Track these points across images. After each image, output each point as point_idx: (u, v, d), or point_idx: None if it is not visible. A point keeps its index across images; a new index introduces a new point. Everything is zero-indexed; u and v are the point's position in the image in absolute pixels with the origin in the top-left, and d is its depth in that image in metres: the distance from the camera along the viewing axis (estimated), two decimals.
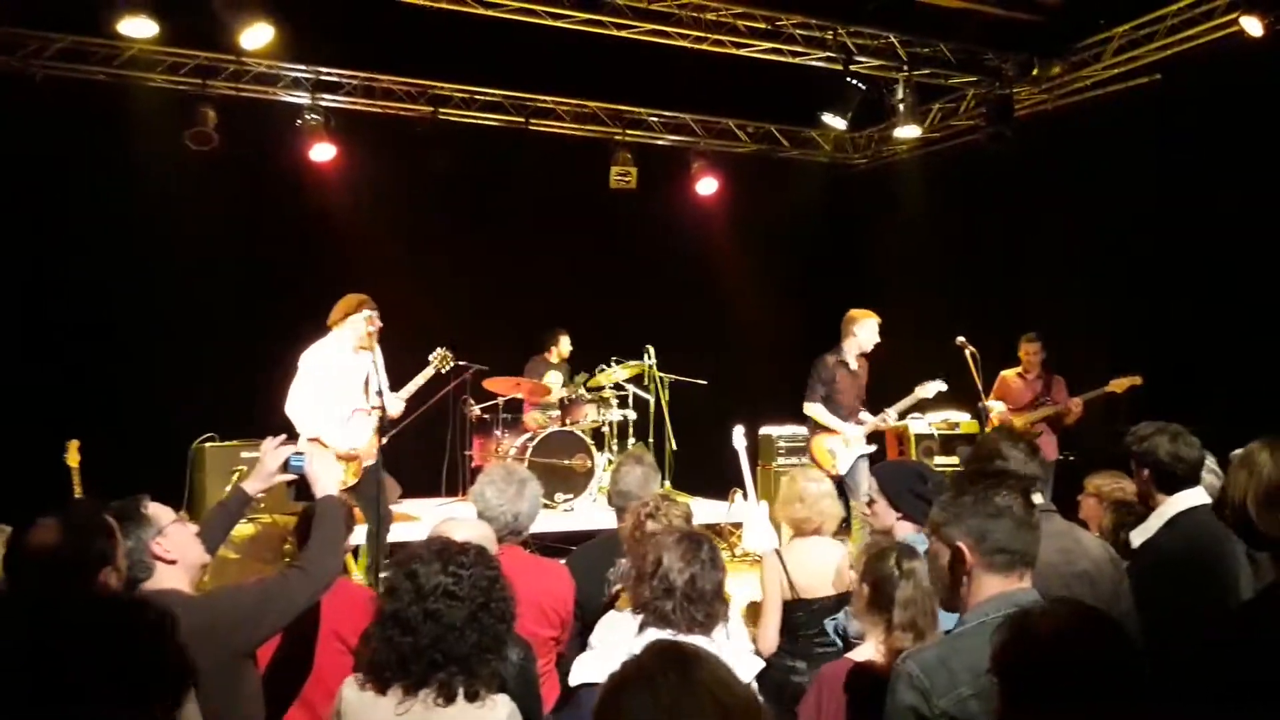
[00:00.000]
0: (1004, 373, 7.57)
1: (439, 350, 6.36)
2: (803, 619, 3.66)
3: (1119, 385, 7.01)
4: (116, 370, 7.74)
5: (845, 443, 6.95)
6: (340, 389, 5.71)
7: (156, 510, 2.64)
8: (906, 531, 3.25)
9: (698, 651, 1.51)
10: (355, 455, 5.68)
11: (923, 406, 8.45)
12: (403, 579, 2.24)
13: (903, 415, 7.26)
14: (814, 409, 6.99)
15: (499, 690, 2.30)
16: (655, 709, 1.37)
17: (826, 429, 6.99)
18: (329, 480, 3.01)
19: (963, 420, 8.38)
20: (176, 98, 8.13)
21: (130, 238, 7.93)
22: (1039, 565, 2.18)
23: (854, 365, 7.04)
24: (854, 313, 7.09)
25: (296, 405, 5.61)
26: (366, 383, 5.74)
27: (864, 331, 6.98)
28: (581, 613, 3.54)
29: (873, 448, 7.09)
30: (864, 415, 7.03)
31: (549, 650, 3.38)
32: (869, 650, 2.66)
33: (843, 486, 6.68)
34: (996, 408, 7.45)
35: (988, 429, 7.47)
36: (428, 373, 6.24)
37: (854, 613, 2.80)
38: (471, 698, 2.19)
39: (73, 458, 5.93)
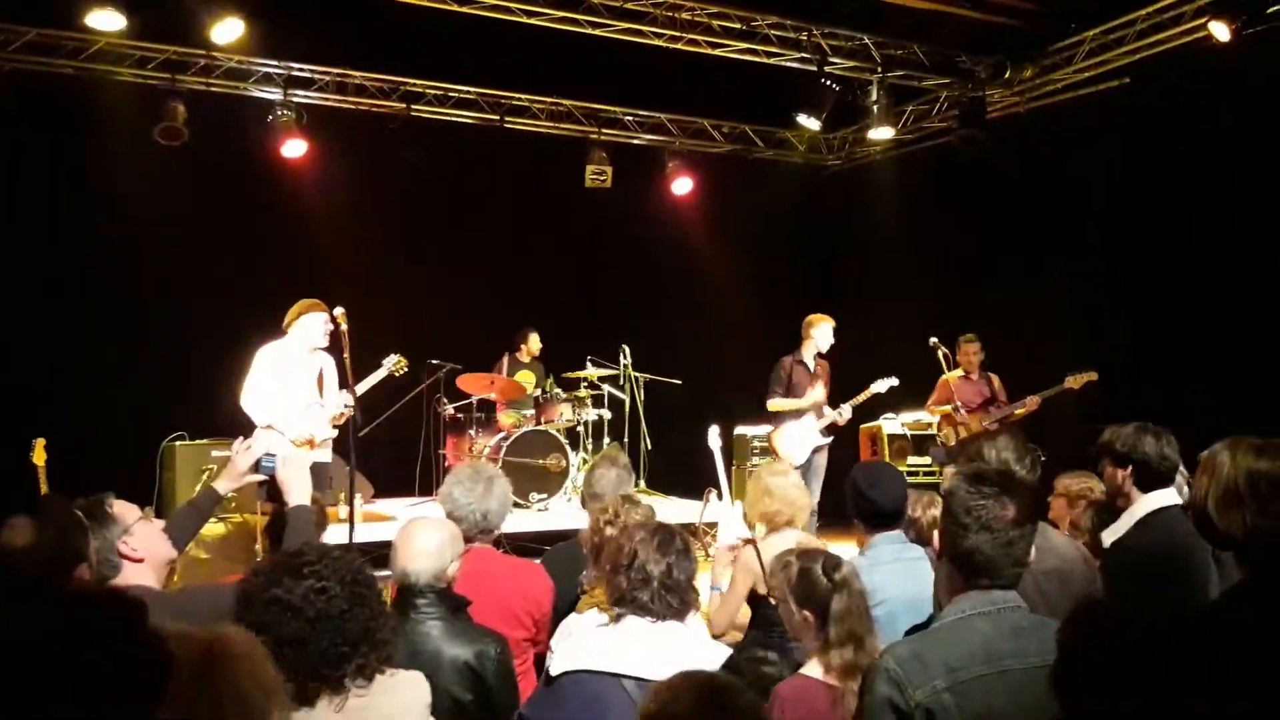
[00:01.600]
0: (946, 376, 7.55)
1: (394, 356, 6.50)
2: (778, 614, 3.66)
3: (1076, 382, 7.03)
4: (84, 367, 7.65)
5: (803, 435, 7.32)
6: (291, 383, 5.87)
7: (122, 508, 2.64)
8: (871, 538, 3.26)
9: (729, 685, 1.55)
10: (310, 441, 5.81)
11: (895, 407, 8.56)
12: (267, 608, 2.19)
13: (855, 409, 7.60)
14: (775, 403, 7.43)
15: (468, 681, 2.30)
16: None
17: (783, 424, 7.40)
18: (301, 489, 3.00)
19: (935, 421, 8.43)
20: (146, 92, 8.03)
21: (98, 234, 7.83)
22: None
23: (811, 366, 7.47)
24: (812, 317, 7.55)
25: (250, 397, 5.80)
26: (321, 381, 5.94)
27: (820, 334, 7.46)
28: (555, 614, 3.52)
29: (828, 439, 7.43)
30: (826, 410, 7.37)
31: (523, 652, 3.36)
32: (817, 666, 2.64)
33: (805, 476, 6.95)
34: (961, 411, 7.52)
35: (945, 431, 7.62)
36: (379, 375, 6.38)
37: (792, 634, 2.76)
38: (382, 670, 2.23)
39: (39, 456, 5.84)
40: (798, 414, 7.40)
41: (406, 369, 6.68)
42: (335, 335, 5.50)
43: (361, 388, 6.17)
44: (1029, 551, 2.11)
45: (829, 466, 7.37)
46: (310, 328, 5.88)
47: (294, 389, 5.88)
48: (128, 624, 1.57)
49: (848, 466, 4.01)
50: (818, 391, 7.37)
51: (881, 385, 7.42)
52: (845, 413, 7.37)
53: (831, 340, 7.46)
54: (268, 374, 5.83)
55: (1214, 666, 1.63)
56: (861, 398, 7.43)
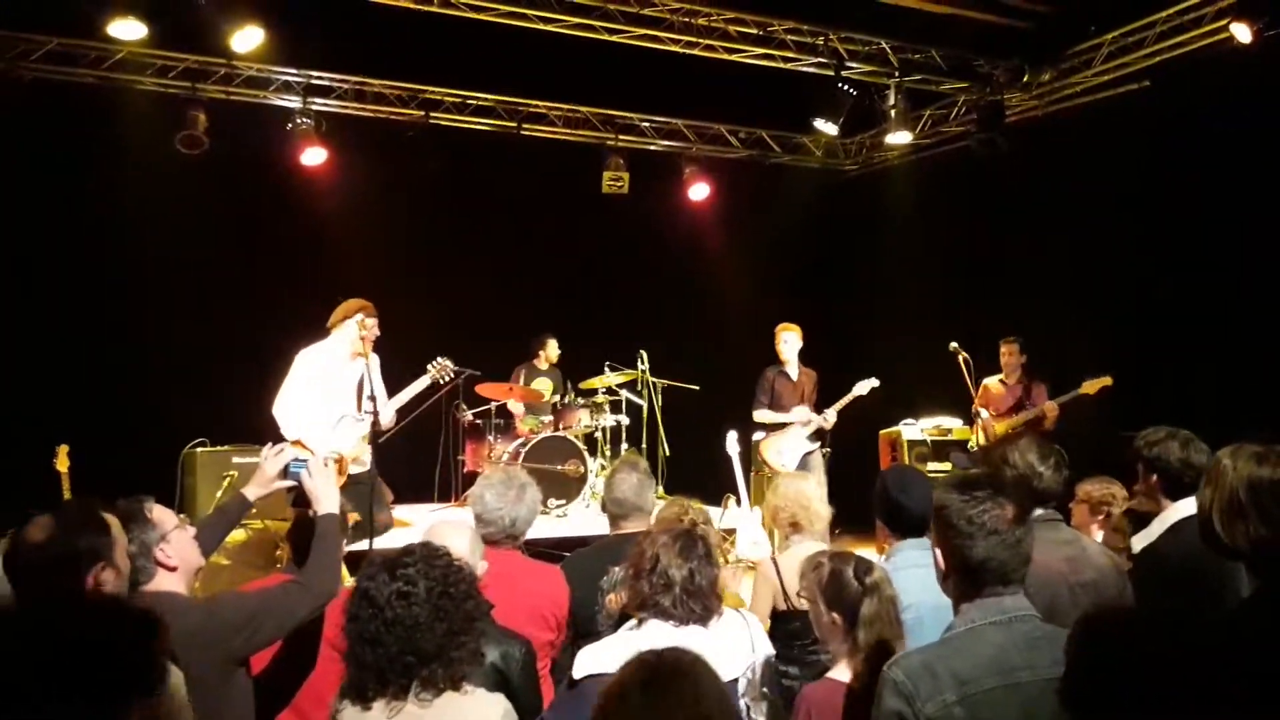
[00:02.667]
0: (986, 380, 7.58)
1: (439, 360, 6.07)
2: (798, 627, 3.64)
3: (1091, 387, 6.98)
4: (105, 375, 7.70)
5: (789, 441, 7.53)
6: (330, 392, 5.61)
7: (161, 514, 2.62)
8: (895, 543, 3.23)
9: (678, 666, 1.55)
10: (340, 459, 5.40)
11: (914, 412, 8.52)
12: (359, 601, 2.23)
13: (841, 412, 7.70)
14: (760, 414, 7.68)
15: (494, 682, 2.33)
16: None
17: (770, 433, 7.64)
18: (330, 497, 2.98)
19: (955, 426, 8.39)
20: (167, 101, 8.09)
21: (120, 242, 7.89)
22: (1046, 574, 2.16)
23: (794, 375, 7.67)
24: (777, 328, 7.80)
25: (282, 405, 5.52)
26: (360, 389, 5.61)
27: (782, 346, 7.70)
28: (574, 620, 3.52)
29: (816, 445, 7.58)
30: (811, 416, 7.55)
31: (545, 654, 3.37)
32: (845, 670, 2.62)
33: None
34: (983, 414, 7.48)
35: (976, 436, 7.55)
36: (423, 382, 5.98)
37: (820, 637, 2.75)
38: (457, 686, 2.20)
39: (62, 463, 5.89)
40: (781, 424, 7.59)
41: (451, 373, 6.15)
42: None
43: (405, 395, 5.76)
44: (1032, 546, 2.07)
45: (839, 475, 7.34)
46: (355, 329, 5.58)
47: (331, 398, 5.59)
48: (112, 638, 1.57)
49: (863, 472, 3.97)
50: (799, 413, 7.53)
51: (863, 387, 7.52)
52: (830, 417, 7.50)
53: (795, 346, 7.66)
54: (304, 382, 5.54)
55: (1228, 678, 1.60)
56: (844, 401, 7.54)
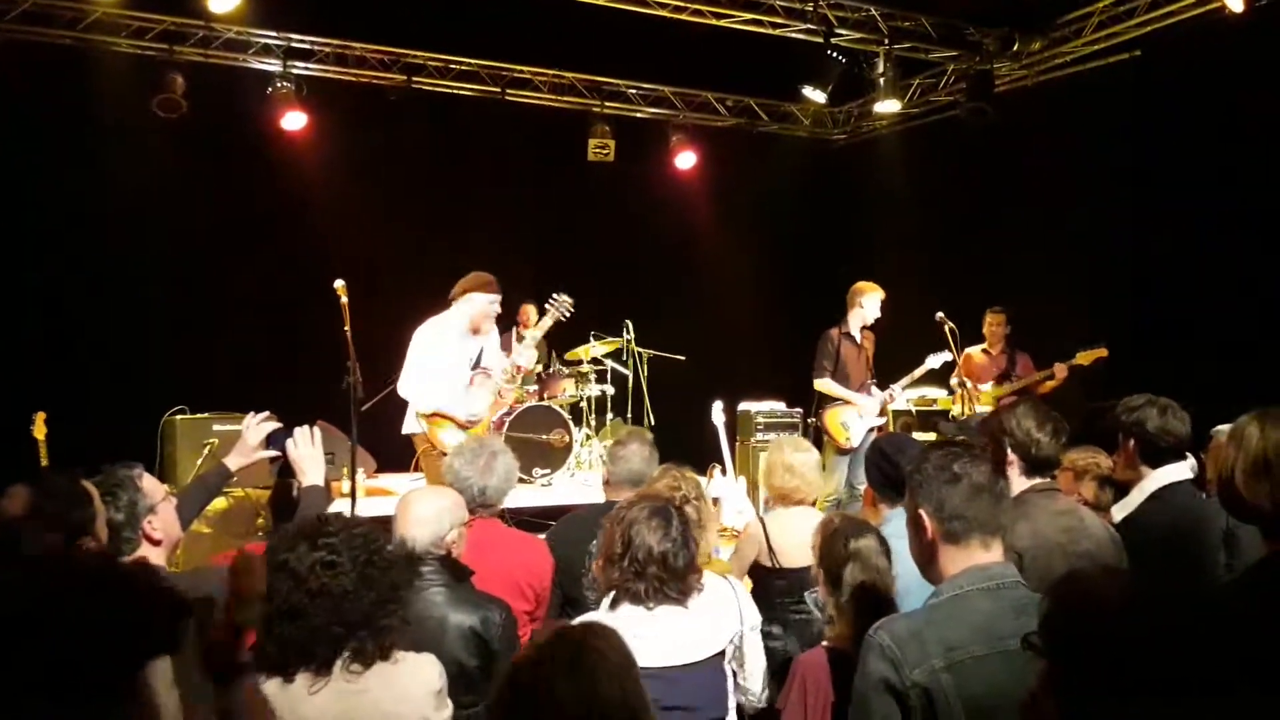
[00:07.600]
0: (968, 350, 7.45)
1: (557, 296, 5.91)
2: (783, 586, 3.66)
3: (1085, 358, 6.99)
4: (83, 341, 7.61)
5: (859, 414, 7.07)
6: (452, 363, 5.70)
7: (151, 484, 2.59)
8: (886, 512, 3.23)
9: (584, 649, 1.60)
10: (477, 422, 5.74)
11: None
12: (276, 574, 2.16)
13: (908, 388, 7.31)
14: (824, 384, 7.10)
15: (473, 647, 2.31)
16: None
17: (839, 402, 7.09)
18: (315, 468, 2.95)
19: (940, 396, 8.40)
20: (144, 63, 7.94)
21: (97, 207, 7.76)
22: (1042, 544, 2.13)
23: (859, 338, 7.17)
24: (860, 285, 7.20)
25: (408, 385, 5.62)
26: (478, 362, 5.83)
27: (870, 303, 7.11)
28: (564, 580, 3.50)
29: (883, 420, 7.20)
30: (874, 390, 7.15)
31: (522, 625, 3.35)
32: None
33: (854, 459, 6.88)
34: (969, 384, 7.47)
35: (958, 403, 7.53)
36: (546, 323, 6.01)
37: (819, 598, 2.80)
38: (386, 655, 2.15)
39: (39, 430, 5.82)
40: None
41: (570, 311, 6.03)
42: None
43: (536, 333, 6.21)
44: (1008, 510, 2.07)
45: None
46: (478, 305, 5.69)
47: (453, 370, 5.68)
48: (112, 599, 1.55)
49: None
50: (869, 404, 7.06)
51: (935, 360, 7.05)
52: (897, 393, 7.11)
53: (878, 312, 7.13)
54: (428, 356, 5.62)
55: (1244, 651, 1.53)
56: (913, 376, 7.11)
